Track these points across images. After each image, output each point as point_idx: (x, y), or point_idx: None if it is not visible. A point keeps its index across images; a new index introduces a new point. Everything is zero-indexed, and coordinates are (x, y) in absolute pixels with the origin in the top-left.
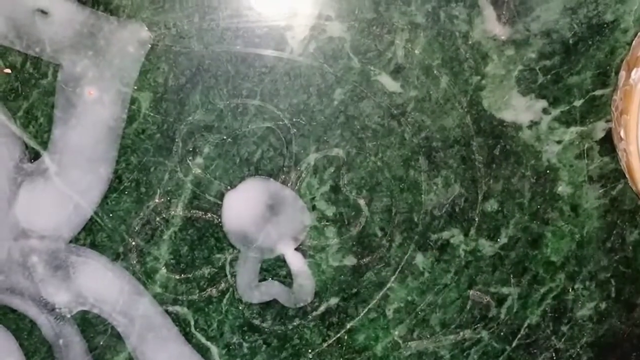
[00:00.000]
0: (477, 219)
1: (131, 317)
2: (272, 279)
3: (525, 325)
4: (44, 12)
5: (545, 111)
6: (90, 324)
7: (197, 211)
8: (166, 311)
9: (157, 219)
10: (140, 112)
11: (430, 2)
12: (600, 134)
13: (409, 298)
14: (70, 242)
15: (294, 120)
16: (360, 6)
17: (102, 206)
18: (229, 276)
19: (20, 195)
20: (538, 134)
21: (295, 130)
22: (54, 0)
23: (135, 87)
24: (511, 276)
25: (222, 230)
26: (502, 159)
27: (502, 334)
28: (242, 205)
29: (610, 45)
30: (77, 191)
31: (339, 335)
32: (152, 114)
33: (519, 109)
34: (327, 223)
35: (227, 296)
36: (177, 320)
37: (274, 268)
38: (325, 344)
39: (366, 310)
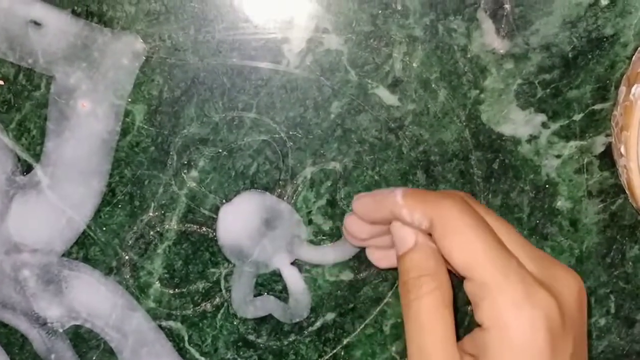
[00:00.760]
0: None
1: (124, 332)
2: (268, 293)
3: None
4: (37, 24)
5: (544, 125)
6: (82, 339)
7: (192, 225)
8: (160, 326)
9: (151, 232)
10: (134, 125)
11: (429, 16)
12: (600, 149)
13: None
14: (63, 255)
15: (290, 133)
16: (357, 19)
17: (95, 220)
18: (223, 291)
19: (12, 208)
20: (537, 148)
21: (291, 143)
22: (48, 12)
23: (130, 100)
24: None
25: (217, 245)
26: (501, 173)
27: None
28: (238, 219)
29: (610, 60)
30: (70, 204)
31: (335, 351)
32: (146, 127)
33: (518, 123)
34: (323, 237)
35: (221, 311)
36: (171, 335)
37: (269, 283)
38: None
39: (363, 325)
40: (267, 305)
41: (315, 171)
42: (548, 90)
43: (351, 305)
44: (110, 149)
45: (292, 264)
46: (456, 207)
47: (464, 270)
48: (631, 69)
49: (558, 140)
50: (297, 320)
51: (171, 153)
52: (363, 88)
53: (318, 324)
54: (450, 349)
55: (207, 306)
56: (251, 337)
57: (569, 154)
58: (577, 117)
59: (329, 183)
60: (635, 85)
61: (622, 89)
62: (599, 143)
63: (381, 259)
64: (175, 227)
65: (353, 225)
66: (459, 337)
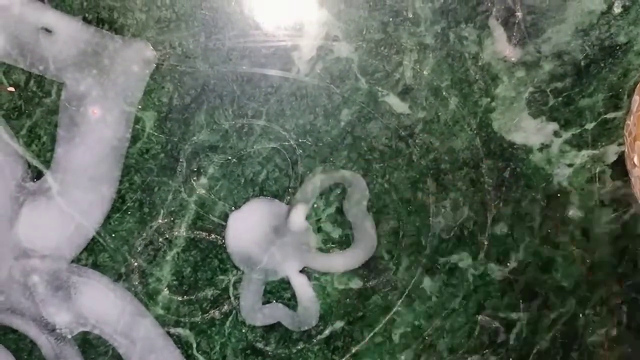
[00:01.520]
0: (486, 243)
1: (132, 338)
2: (276, 301)
3: (535, 351)
4: (48, 31)
5: (556, 134)
6: (91, 345)
7: (201, 232)
8: (168, 333)
9: (160, 239)
10: (144, 132)
11: (440, 23)
12: (612, 158)
13: (416, 322)
14: (72, 262)
15: (300, 141)
16: (368, 27)
17: (104, 226)
18: (232, 298)
19: (22, 214)
20: (549, 157)
21: (301, 151)
22: (59, 19)
23: (140, 107)
24: (521, 301)
25: (225, 252)
26: (512, 181)
27: (510, 359)
28: (247, 227)
29: (623, 68)
30: (80, 211)
31: (344, 359)
32: (156, 134)
33: (530, 132)
34: (332, 245)
35: (230, 318)
36: (179, 342)
37: (278, 290)
38: None
39: (372, 334)
40: (276, 312)
41: (325, 179)
42: (560, 98)
43: (360, 314)
44: (120, 155)
45: (301, 271)
46: None
47: None
48: None
49: (570, 149)
50: (306, 328)
51: (181, 160)
52: (373, 96)
53: (327, 332)
54: None
55: (216, 313)
56: (259, 345)
57: (581, 163)
58: (590, 125)
59: (338, 191)
60: None
61: (636, 98)
62: (611, 152)
63: None
64: (185, 234)
65: None
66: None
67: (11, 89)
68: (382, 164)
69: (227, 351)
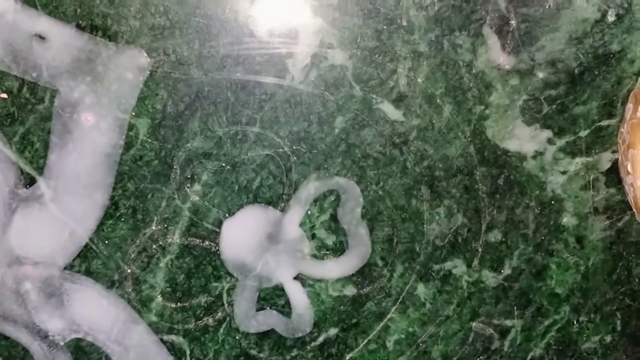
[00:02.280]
0: (480, 250)
1: (126, 345)
2: (270, 308)
3: (529, 358)
4: (41, 38)
5: (550, 141)
6: (84, 352)
7: (195, 239)
8: (161, 340)
9: (154, 246)
10: (137, 139)
11: (434, 31)
12: (606, 165)
13: (410, 329)
14: (65, 268)
15: (294, 148)
16: (362, 34)
17: (97, 233)
18: (226, 305)
19: (15, 221)
20: (543, 164)
21: (295, 158)
22: (52, 26)
23: (133, 114)
24: (515, 308)
25: (219, 259)
26: (506, 189)
27: None
28: (241, 233)
29: (617, 76)
30: (73, 217)
31: None
32: (149, 141)
33: (524, 139)
34: (326, 252)
35: (223, 325)
36: (173, 349)
37: (272, 297)
38: None
39: (366, 341)
40: (270, 319)
41: (319, 186)
42: (554, 106)
43: (354, 321)
44: (113, 162)
45: (295, 278)
46: None
47: None
48: (638, 86)
49: (564, 156)
50: (300, 335)
51: (174, 167)
52: (367, 103)
53: (321, 339)
54: None
55: (209, 320)
56: (253, 352)
57: (575, 170)
58: (583, 133)
59: (332, 198)
60: None
61: (630, 106)
62: (605, 159)
63: None
64: (178, 240)
65: None
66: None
67: (4, 95)
68: (376, 171)
69: (221, 358)
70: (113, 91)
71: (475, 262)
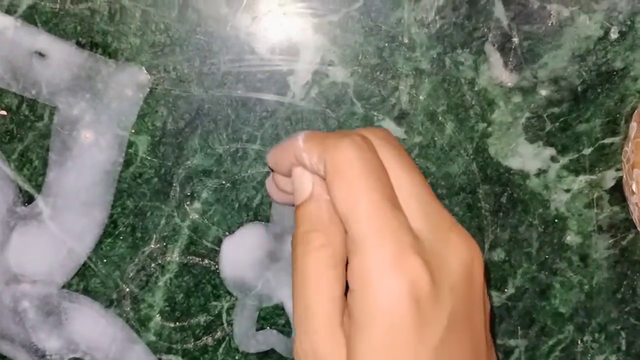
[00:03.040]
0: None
1: None
2: (271, 327)
3: None
4: (41, 55)
5: (553, 159)
6: None
7: (194, 257)
8: None
9: (153, 265)
10: (137, 156)
11: (436, 49)
12: (610, 183)
13: None
14: (63, 287)
15: None
16: (363, 52)
17: (96, 251)
18: (225, 324)
19: (13, 239)
20: (546, 182)
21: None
22: (52, 43)
23: (133, 131)
24: (518, 327)
25: (219, 277)
26: (510, 207)
27: None
28: (240, 252)
29: (620, 93)
30: (71, 235)
31: None
32: (149, 158)
33: (527, 157)
34: None
35: (223, 345)
36: None
37: (272, 316)
38: None
39: None
40: (270, 339)
41: None
42: (557, 123)
43: None
44: (112, 179)
45: None
46: (351, 151)
47: (344, 223)
48: None
49: (567, 174)
50: None
51: (174, 184)
52: (369, 120)
53: None
54: (334, 309)
55: (209, 340)
56: None
57: (579, 189)
58: (587, 151)
59: None
60: None
61: (633, 125)
62: (609, 177)
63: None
64: (177, 259)
65: (276, 179)
66: None
67: (3, 112)
68: None
69: None
70: (113, 108)
71: None
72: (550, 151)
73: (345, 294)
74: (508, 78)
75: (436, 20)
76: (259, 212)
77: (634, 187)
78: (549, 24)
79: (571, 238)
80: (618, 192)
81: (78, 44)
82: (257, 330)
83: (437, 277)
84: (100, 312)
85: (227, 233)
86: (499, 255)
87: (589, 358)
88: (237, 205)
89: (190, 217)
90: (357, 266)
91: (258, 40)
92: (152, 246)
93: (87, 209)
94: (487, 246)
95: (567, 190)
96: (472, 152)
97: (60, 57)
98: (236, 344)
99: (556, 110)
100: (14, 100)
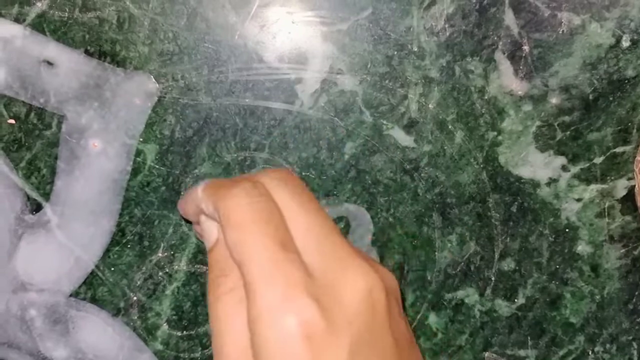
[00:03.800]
0: (493, 278)
1: None
2: None
3: None
4: (49, 63)
5: (564, 168)
6: None
7: (202, 266)
8: None
9: (160, 273)
10: (145, 165)
11: (445, 57)
12: (621, 192)
13: None
14: (71, 295)
15: (303, 174)
16: (372, 60)
17: (103, 260)
18: None
19: (21, 247)
20: (557, 192)
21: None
22: (61, 52)
23: (141, 139)
24: (529, 338)
25: None
26: (520, 216)
27: None
28: None
29: (632, 102)
30: (79, 244)
31: None
32: (157, 167)
33: (537, 166)
34: None
35: None
36: None
37: None
38: None
39: None
40: None
41: (329, 212)
42: (568, 132)
43: None
44: (120, 188)
45: None
46: (240, 198)
47: (239, 269)
48: None
49: (578, 183)
50: None
51: (182, 193)
52: (378, 129)
53: None
54: (247, 352)
55: None
56: None
57: (590, 198)
58: (598, 160)
59: (342, 224)
60: None
61: None
62: (620, 187)
63: None
64: (185, 267)
65: (194, 226)
66: None
67: (12, 121)
68: (386, 198)
69: None
70: (121, 117)
71: (488, 291)
72: (561, 160)
73: None
74: (518, 86)
75: (446, 29)
76: None
77: None
78: (560, 32)
79: (582, 248)
80: (630, 202)
81: (86, 52)
82: None
83: (330, 311)
84: (107, 321)
85: None
86: (509, 264)
87: None
88: None
89: None
90: (251, 311)
91: (266, 48)
92: (160, 255)
93: (95, 218)
94: (497, 256)
95: (578, 200)
96: (482, 161)
97: (68, 65)
98: None
99: (567, 118)
100: (22, 108)
